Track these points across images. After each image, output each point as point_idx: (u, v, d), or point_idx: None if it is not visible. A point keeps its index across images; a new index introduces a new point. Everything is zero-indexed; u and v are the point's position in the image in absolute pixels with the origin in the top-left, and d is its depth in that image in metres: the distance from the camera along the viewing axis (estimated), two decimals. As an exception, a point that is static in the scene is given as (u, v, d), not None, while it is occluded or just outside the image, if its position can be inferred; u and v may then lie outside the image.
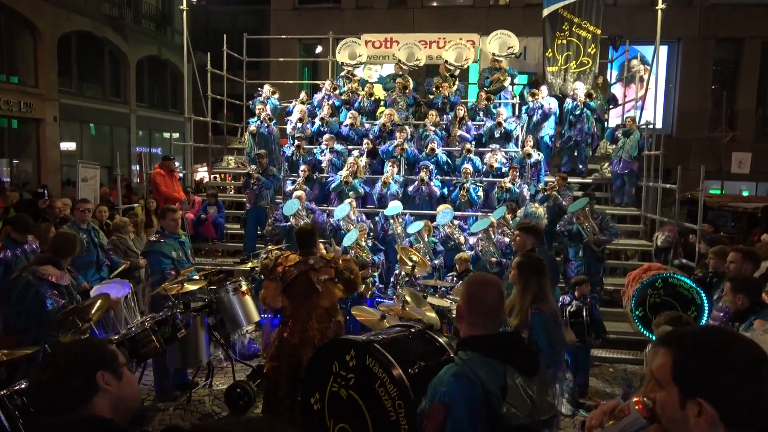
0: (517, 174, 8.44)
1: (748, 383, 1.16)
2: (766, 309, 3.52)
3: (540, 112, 9.60)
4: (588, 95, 9.61)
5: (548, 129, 9.73)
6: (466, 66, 11.08)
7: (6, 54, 15.60)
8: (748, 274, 4.21)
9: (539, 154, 8.95)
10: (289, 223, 7.82)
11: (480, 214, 8.19)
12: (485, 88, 10.43)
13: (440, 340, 2.72)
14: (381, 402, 2.42)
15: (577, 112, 9.61)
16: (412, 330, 2.81)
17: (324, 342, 3.97)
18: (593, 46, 10.47)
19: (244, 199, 9.21)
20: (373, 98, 10.25)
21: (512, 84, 11.23)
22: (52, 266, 4.21)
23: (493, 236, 7.22)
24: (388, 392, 2.39)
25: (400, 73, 10.61)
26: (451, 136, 9.47)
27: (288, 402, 4.01)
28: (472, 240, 7.33)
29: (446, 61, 10.81)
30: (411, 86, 10.47)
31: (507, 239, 7.27)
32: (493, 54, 10.73)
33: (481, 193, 8.48)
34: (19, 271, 4.37)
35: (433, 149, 8.78)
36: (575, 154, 9.93)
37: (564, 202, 7.73)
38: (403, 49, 11.04)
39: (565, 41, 10.53)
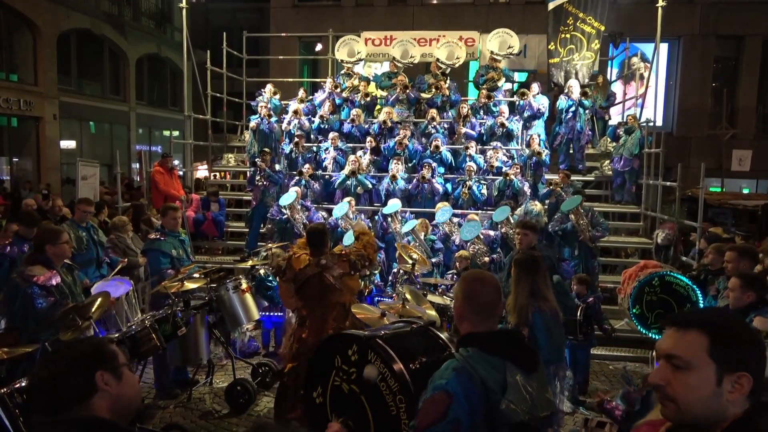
0: (519, 171, 8.44)
1: (764, 358, 1.27)
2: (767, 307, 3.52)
3: (530, 111, 9.56)
4: (583, 93, 9.58)
5: (538, 128, 9.70)
6: (457, 65, 11.04)
7: (5, 52, 15.59)
8: (750, 270, 4.21)
9: (547, 154, 8.94)
10: (285, 216, 7.82)
11: (477, 212, 8.18)
12: (480, 86, 10.42)
13: (442, 336, 2.73)
14: (382, 396, 2.43)
15: (572, 110, 9.58)
16: (414, 326, 2.82)
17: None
18: (597, 42, 10.45)
19: (246, 198, 9.18)
20: (369, 97, 10.22)
21: (512, 82, 11.21)
22: (40, 266, 4.17)
23: (481, 237, 7.24)
24: (389, 387, 2.40)
25: (395, 71, 10.58)
26: (456, 135, 9.46)
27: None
28: (457, 240, 7.33)
29: (437, 59, 10.79)
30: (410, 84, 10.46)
31: (491, 233, 7.29)
32: (492, 52, 10.71)
33: (485, 191, 8.48)
34: (14, 272, 4.38)
35: (437, 146, 8.77)
36: (570, 152, 9.91)
37: (566, 198, 7.71)
38: (397, 47, 11.01)
39: (568, 35, 10.51)
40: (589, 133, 9.88)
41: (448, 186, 8.65)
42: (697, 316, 1.35)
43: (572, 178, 9.10)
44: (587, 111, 9.67)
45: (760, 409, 1.26)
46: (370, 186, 8.67)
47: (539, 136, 9.34)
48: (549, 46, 10.71)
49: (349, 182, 8.54)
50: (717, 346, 1.25)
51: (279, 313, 6.40)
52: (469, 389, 1.85)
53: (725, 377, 1.24)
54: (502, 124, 9.15)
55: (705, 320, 1.31)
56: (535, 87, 9.84)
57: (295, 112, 9.66)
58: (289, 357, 4.24)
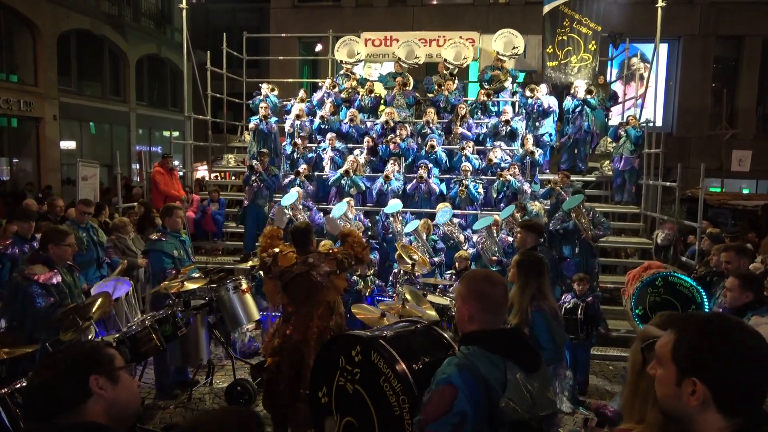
0: (517, 171, 8.46)
1: (745, 371, 1.20)
2: (765, 306, 3.53)
3: (539, 109, 9.60)
4: (588, 92, 9.60)
5: (548, 127, 9.73)
6: (465, 65, 11.08)
7: (5, 52, 15.59)
8: (747, 269, 4.23)
9: (541, 154, 8.96)
10: (287, 216, 7.84)
11: (479, 212, 8.20)
12: (484, 84, 10.44)
13: (446, 335, 2.73)
14: (386, 397, 2.44)
15: (578, 109, 9.60)
16: (419, 326, 2.82)
17: (325, 337, 3.99)
18: (594, 42, 10.50)
19: (244, 197, 9.20)
20: (373, 95, 10.25)
21: (516, 83, 11.24)
22: (41, 265, 4.18)
23: (495, 235, 7.23)
24: (393, 387, 2.41)
25: (400, 71, 10.61)
26: (452, 135, 9.47)
27: (287, 396, 4.02)
28: (475, 237, 7.34)
29: (445, 60, 10.81)
30: (411, 84, 10.47)
31: (510, 238, 7.27)
32: (497, 52, 10.72)
33: (481, 190, 8.49)
34: (15, 270, 4.39)
35: (432, 146, 8.79)
36: (575, 152, 9.93)
37: (567, 198, 7.73)
38: (402, 47, 11.04)
39: (565, 37, 10.57)
40: (597, 133, 9.91)
41: (443, 186, 8.67)
42: (683, 316, 1.38)
43: (573, 178, 9.12)
44: (592, 111, 9.69)
45: (748, 429, 1.21)
46: (364, 187, 8.68)
47: (540, 136, 9.37)
48: (547, 50, 10.75)
49: (343, 181, 8.56)
50: (677, 347, 1.27)
51: (278, 314, 6.40)
52: (471, 385, 1.85)
53: (684, 380, 1.24)
54: (507, 122, 9.16)
55: (682, 321, 1.32)
56: (543, 87, 9.87)
57: (297, 116, 9.69)
58: (270, 352, 4.22)
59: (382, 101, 10.49)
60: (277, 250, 4.27)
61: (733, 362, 1.20)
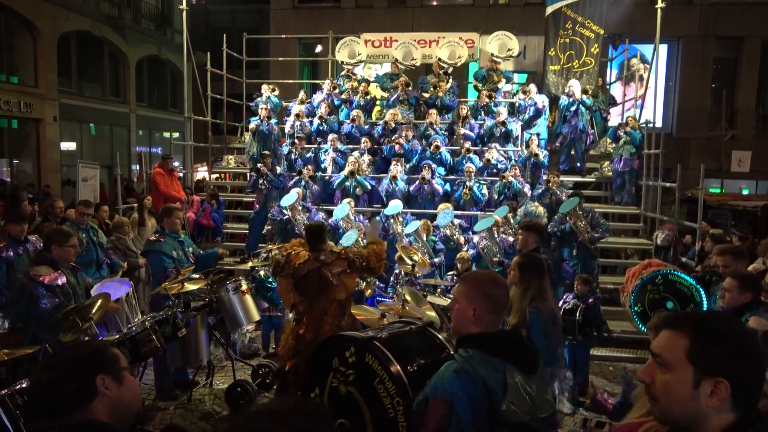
0: (518, 172, 8.47)
1: (756, 365, 1.21)
2: (762, 306, 3.53)
3: (533, 109, 9.60)
4: (584, 92, 9.61)
5: (541, 127, 9.73)
6: (459, 64, 11.07)
7: (6, 54, 15.62)
8: (746, 270, 4.24)
9: (545, 155, 8.97)
10: (285, 217, 7.84)
11: (480, 213, 8.21)
12: (478, 83, 10.43)
13: (440, 336, 2.74)
14: (380, 399, 2.44)
15: (573, 108, 9.60)
16: (413, 327, 2.82)
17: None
18: (596, 45, 10.47)
19: (246, 200, 9.20)
20: (368, 96, 10.24)
21: (512, 84, 11.24)
22: (46, 266, 4.20)
23: (496, 235, 7.23)
24: (387, 389, 2.41)
25: (397, 72, 10.60)
26: (455, 136, 9.48)
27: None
28: (475, 238, 7.34)
29: (439, 59, 10.81)
30: (412, 85, 10.49)
31: (511, 239, 7.27)
32: (492, 54, 10.73)
33: (485, 191, 8.50)
34: (19, 272, 4.40)
35: (437, 147, 8.80)
36: (572, 152, 9.94)
37: (563, 198, 7.73)
38: (399, 48, 11.03)
39: (568, 40, 10.54)
40: (592, 132, 9.90)
41: (447, 187, 8.67)
42: (685, 316, 1.32)
43: (573, 179, 9.10)
44: (588, 111, 9.70)
45: (749, 422, 1.21)
46: (369, 187, 8.69)
47: (539, 136, 9.36)
48: (549, 52, 10.72)
49: (348, 183, 8.56)
50: (695, 349, 1.22)
51: (279, 314, 6.41)
52: (470, 390, 1.85)
53: (703, 381, 1.20)
54: (503, 123, 9.16)
55: (690, 321, 1.28)
56: (533, 87, 9.89)
57: (297, 115, 9.69)
58: (288, 355, 4.25)
59: (377, 102, 10.49)
60: (288, 249, 4.33)
61: (748, 360, 1.21)
